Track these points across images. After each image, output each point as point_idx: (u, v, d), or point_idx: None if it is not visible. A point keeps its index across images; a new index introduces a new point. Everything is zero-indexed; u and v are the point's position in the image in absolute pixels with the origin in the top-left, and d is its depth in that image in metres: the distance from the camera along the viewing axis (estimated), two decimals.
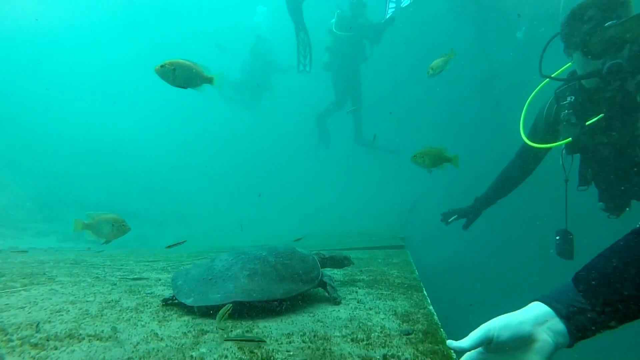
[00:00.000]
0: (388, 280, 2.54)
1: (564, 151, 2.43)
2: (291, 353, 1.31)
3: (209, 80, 2.14)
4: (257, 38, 12.19)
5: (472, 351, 0.94)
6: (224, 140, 17.58)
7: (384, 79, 9.79)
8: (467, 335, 0.93)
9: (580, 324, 0.88)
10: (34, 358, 1.22)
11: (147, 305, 1.86)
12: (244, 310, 1.76)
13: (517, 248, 6.70)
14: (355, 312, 1.78)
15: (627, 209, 2.42)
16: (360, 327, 1.58)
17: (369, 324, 1.62)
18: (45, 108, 13.64)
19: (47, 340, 1.36)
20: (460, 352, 0.94)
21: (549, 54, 2.34)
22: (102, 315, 1.68)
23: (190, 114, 17.97)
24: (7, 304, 1.80)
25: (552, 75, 2.41)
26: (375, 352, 1.33)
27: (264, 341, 1.35)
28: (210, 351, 1.31)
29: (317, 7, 7.46)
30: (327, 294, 2.01)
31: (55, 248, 6.00)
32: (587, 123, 2.13)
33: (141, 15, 18.17)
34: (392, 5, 6.25)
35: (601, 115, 2.08)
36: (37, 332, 1.44)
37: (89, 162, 11.44)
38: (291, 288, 1.80)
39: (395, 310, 1.82)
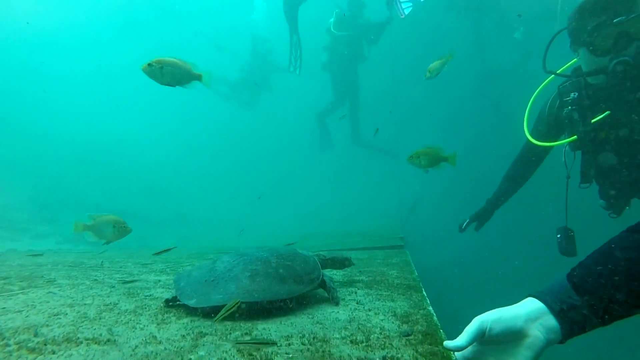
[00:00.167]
0: (387, 280, 2.53)
1: (566, 148, 2.42)
2: (290, 355, 1.30)
3: (198, 78, 2.13)
4: (257, 38, 12.18)
5: None
6: (223, 140, 17.58)
7: (383, 78, 9.79)
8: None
9: (572, 321, 0.89)
10: None
11: (145, 308, 1.85)
12: (244, 312, 1.76)
13: (517, 246, 6.70)
14: (354, 314, 1.78)
15: (627, 207, 2.42)
16: (359, 328, 1.58)
17: (369, 325, 1.62)
18: (45, 109, 13.63)
19: (45, 345, 1.36)
20: (459, 350, 0.94)
21: (550, 50, 2.32)
22: (100, 319, 1.67)
23: (189, 114, 17.98)
24: (4, 308, 1.80)
25: (557, 72, 2.38)
26: (374, 353, 1.32)
27: (275, 343, 1.34)
28: (209, 354, 1.31)
29: (315, 7, 7.47)
30: (327, 295, 2.01)
31: (54, 250, 5.99)
32: (593, 120, 2.11)
33: (140, 15, 18.16)
34: (407, 3, 6.17)
35: (607, 112, 2.05)
36: (35, 336, 1.44)
37: (88, 163, 11.44)
38: (293, 289, 1.82)
39: (394, 311, 1.81)
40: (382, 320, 1.69)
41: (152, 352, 1.32)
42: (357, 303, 1.96)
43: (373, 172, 12.32)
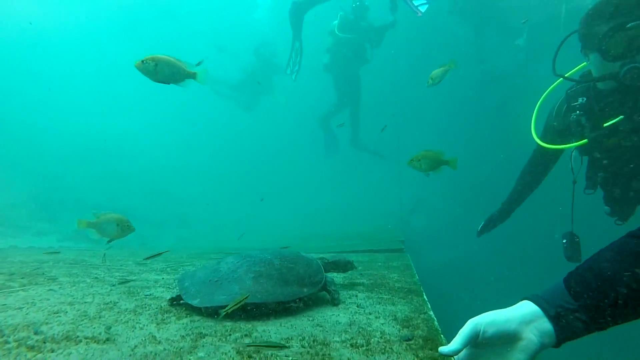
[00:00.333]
0: (388, 284, 2.53)
1: (574, 152, 2.39)
2: (290, 358, 1.29)
3: (193, 76, 2.12)
4: (261, 42, 12.21)
5: None
6: (224, 141, 17.59)
7: (385, 82, 9.80)
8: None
9: (567, 325, 0.88)
10: None
11: (145, 307, 1.84)
12: (243, 313, 1.75)
13: (519, 250, 6.67)
14: (355, 317, 1.77)
15: (632, 215, 2.40)
16: (360, 332, 1.57)
17: (369, 329, 1.61)
18: (46, 109, 13.68)
19: (44, 343, 1.35)
20: (455, 355, 0.94)
21: (552, 52, 2.30)
22: (100, 317, 1.67)
23: (190, 115, 17.99)
24: (4, 305, 1.80)
25: (566, 75, 2.34)
26: (374, 358, 1.32)
27: (286, 346, 1.34)
28: (209, 355, 1.30)
29: (319, 10, 7.49)
30: (327, 297, 2.02)
31: (55, 247, 5.99)
32: (605, 124, 2.05)
33: (141, 15, 18.20)
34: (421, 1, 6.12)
35: (621, 117, 2.00)
36: (34, 334, 1.43)
37: (89, 162, 11.46)
38: (295, 291, 1.83)
39: (395, 315, 1.81)
40: (382, 324, 1.68)
41: (151, 352, 1.31)
42: (357, 306, 1.95)
43: (374, 174, 12.32)
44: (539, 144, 2.43)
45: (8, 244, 5.80)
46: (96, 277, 2.59)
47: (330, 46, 8.26)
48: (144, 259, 2.93)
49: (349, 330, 1.59)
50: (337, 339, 1.48)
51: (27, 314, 1.68)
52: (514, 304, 0.97)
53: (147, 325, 1.58)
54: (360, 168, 12.77)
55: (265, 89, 12.63)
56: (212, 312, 1.74)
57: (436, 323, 1.73)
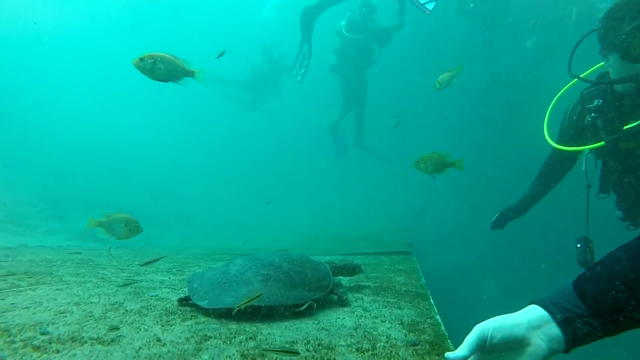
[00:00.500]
0: (394, 287, 2.50)
1: (588, 156, 2.33)
2: None
3: (192, 75, 2.10)
4: (269, 43, 12.22)
5: None
6: (229, 141, 17.65)
7: (392, 83, 9.77)
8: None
9: (577, 331, 0.86)
10: None
11: (150, 309, 1.85)
12: (249, 316, 1.74)
13: (527, 253, 6.59)
14: (360, 321, 1.75)
15: None
16: (365, 336, 1.55)
17: (375, 333, 1.59)
18: (54, 109, 13.86)
19: (50, 343, 1.36)
20: None
21: (561, 55, 2.26)
22: (105, 318, 1.67)
23: (196, 115, 18.09)
24: (12, 304, 1.81)
25: (581, 75, 2.27)
26: None
27: (298, 353, 1.32)
28: (213, 358, 1.30)
29: (327, 11, 7.49)
30: (334, 299, 2.02)
31: (63, 246, 6.05)
32: (626, 127, 1.98)
33: (147, 14, 18.35)
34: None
35: None
36: (41, 334, 1.44)
37: (96, 161, 11.59)
38: (303, 295, 1.83)
39: (401, 320, 1.78)
40: (388, 328, 1.66)
41: (155, 354, 1.31)
42: (363, 310, 1.93)
43: (380, 176, 12.27)
44: (553, 146, 2.39)
45: (18, 243, 5.87)
46: (103, 277, 2.60)
47: (337, 47, 8.26)
48: (141, 265, 2.94)
49: (355, 334, 1.57)
50: (343, 343, 1.46)
51: (33, 313, 1.69)
52: (522, 305, 0.95)
53: (152, 327, 1.58)
54: (366, 169, 12.74)
55: (272, 90, 12.65)
56: (220, 314, 1.74)
57: (443, 328, 1.70)
